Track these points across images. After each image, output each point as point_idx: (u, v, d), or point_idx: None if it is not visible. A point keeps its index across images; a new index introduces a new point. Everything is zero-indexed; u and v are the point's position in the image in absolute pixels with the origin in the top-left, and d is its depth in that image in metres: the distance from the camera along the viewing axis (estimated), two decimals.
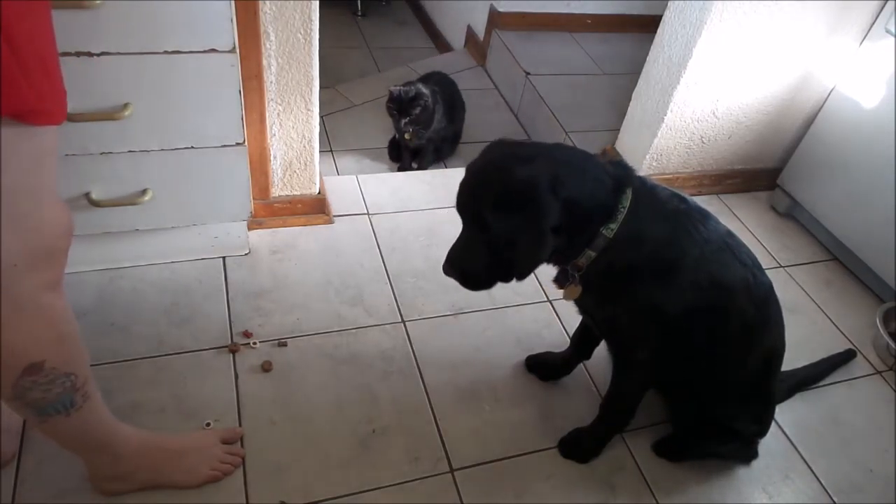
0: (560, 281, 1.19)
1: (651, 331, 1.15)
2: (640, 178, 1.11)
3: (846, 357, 1.69)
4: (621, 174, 1.08)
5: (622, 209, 1.05)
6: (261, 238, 1.74)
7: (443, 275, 1.78)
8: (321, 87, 1.63)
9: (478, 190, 1.05)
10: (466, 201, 1.07)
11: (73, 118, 1.23)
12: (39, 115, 0.74)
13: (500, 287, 1.69)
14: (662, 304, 1.10)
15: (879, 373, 1.71)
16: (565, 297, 1.18)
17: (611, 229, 1.06)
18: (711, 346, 1.18)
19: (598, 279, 1.12)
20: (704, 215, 1.12)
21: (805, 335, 1.77)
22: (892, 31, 1.81)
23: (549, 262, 1.14)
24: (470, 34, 3.18)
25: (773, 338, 1.25)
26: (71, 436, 1.04)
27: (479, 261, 1.09)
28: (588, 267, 1.10)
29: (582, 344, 1.47)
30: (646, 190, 1.09)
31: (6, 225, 0.75)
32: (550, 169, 1.01)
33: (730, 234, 1.15)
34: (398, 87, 2.18)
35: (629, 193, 1.06)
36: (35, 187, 0.79)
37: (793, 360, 1.57)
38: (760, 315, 1.18)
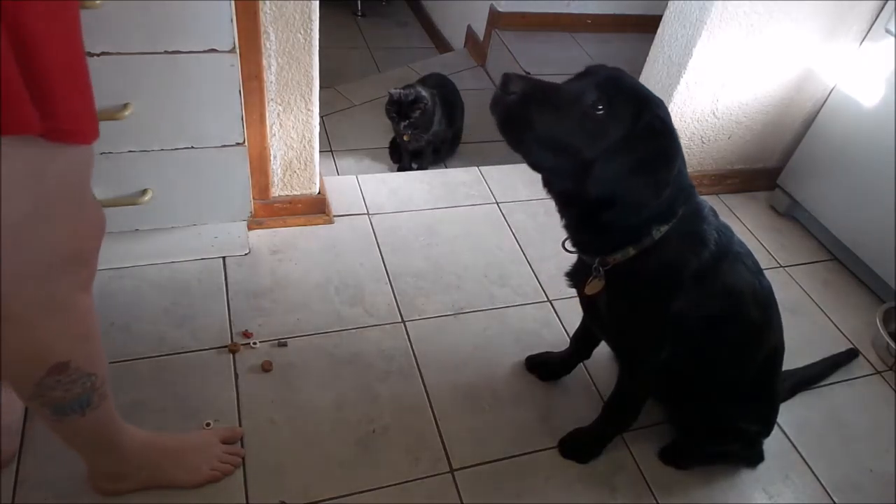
0: (574, 277, 1.18)
1: (667, 336, 1.14)
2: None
3: (848, 356, 1.69)
4: (690, 185, 1.06)
5: (679, 214, 1.04)
6: (261, 238, 1.74)
7: (442, 275, 1.79)
8: (321, 87, 1.63)
9: (639, 84, 0.96)
10: (618, 79, 0.94)
11: None
12: (73, 134, 0.72)
13: (499, 287, 1.72)
14: (684, 310, 1.09)
15: (879, 373, 1.71)
16: (587, 291, 1.14)
17: (660, 231, 1.04)
18: (721, 351, 1.19)
19: (624, 278, 1.09)
20: (727, 226, 1.14)
21: (805, 335, 1.77)
22: (893, 31, 1.81)
23: (581, 251, 1.12)
24: (470, 34, 3.18)
25: (774, 339, 1.26)
26: (81, 435, 1.04)
27: (561, 122, 0.91)
28: (619, 265, 1.07)
29: (582, 343, 1.47)
30: (694, 200, 1.09)
31: (47, 228, 0.77)
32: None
33: (739, 241, 1.17)
34: (398, 90, 2.18)
35: (691, 203, 1.06)
36: (73, 191, 0.79)
37: (793, 360, 1.57)
38: (764, 318, 1.20)
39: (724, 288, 1.10)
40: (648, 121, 0.94)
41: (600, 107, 0.92)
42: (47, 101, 0.66)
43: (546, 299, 1.72)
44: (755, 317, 1.17)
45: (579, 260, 1.19)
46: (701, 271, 1.07)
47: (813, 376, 1.61)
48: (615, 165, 0.93)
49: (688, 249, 1.06)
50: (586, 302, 1.23)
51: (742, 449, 1.39)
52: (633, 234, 1.04)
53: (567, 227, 1.09)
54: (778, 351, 1.29)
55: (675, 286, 1.08)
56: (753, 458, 1.42)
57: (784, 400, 1.52)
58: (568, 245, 1.14)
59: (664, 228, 1.03)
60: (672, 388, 1.32)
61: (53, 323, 0.85)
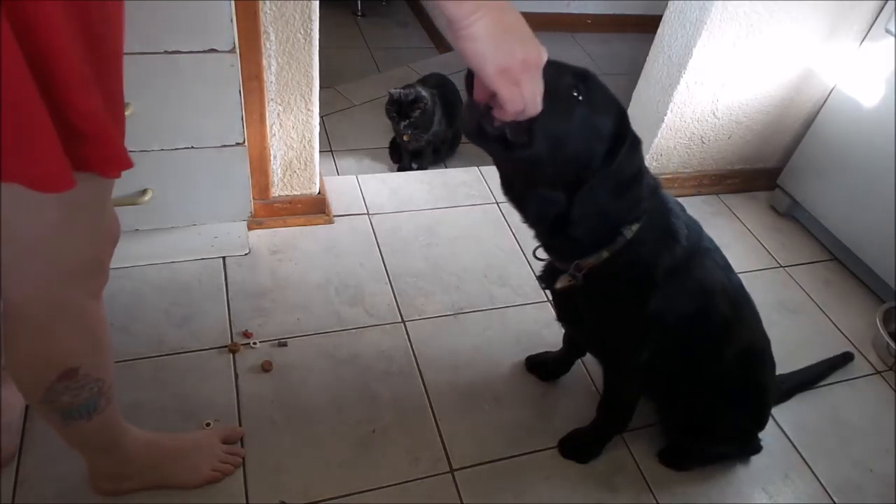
0: (545, 279, 1.18)
1: (648, 336, 1.14)
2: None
3: (843, 359, 1.69)
4: (654, 179, 1.06)
5: (647, 212, 1.04)
6: (261, 238, 1.74)
7: (442, 275, 1.79)
8: (321, 87, 1.63)
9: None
10: (588, 74, 0.92)
11: None
12: (106, 169, 0.74)
13: (499, 287, 1.72)
14: (661, 308, 1.10)
15: (879, 373, 1.71)
16: (557, 284, 1.13)
17: (631, 230, 1.03)
18: (697, 348, 1.19)
19: (600, 282, 1.09)
20: (696, 221, 1.14)
21: (805, 335, 1.77)
22: (893, 30, 1.81)
23: (556, 257, 1.11)
24: None
25: (747, 335, 1.25)
26: (86, 437, 1.04)
27: (568, 127, 0.89)
28: (594, 268, 1.07)
29: (573, 340, 1.46)
30: (659, 195, 1.09)
31: (68, 237, 0.78)
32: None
33: (708, 237, 1.17)
34: (398, 90, 2.18)
35: (657, 198, 1.06)
36: (96, 204, 0.81)
37: (792, 360, 1.57)
38: (735, 314, 1.19)
39: (697, 284, 1.11)
40: (632, 139, 0.96)
41: (576, 93, 0.88)
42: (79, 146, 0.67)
43: (546, 299, 1.72)
44: (726, 313, 1.17)
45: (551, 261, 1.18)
46: (674, 267, 1.07)
47: (808, 380, 1.60)
48: (601, 190, 0.94)
49: (660, 246, 1.06)
50: (563, 308, 1.22)
51: (738, 446, 1.39)
52: (607, 236, 1.04)
53: (538, 235, 1.09)
54: (756, 346, 1.28)
55: (651, 284, 1.08)
56: (751, 450, 1.41)
57: (781, 402, 1.52)
58: (539, 253, 1.13)
59: (635, 227, 1.03)
60: (659, 387, 1.32)
61: (66, 328, 0.86)
